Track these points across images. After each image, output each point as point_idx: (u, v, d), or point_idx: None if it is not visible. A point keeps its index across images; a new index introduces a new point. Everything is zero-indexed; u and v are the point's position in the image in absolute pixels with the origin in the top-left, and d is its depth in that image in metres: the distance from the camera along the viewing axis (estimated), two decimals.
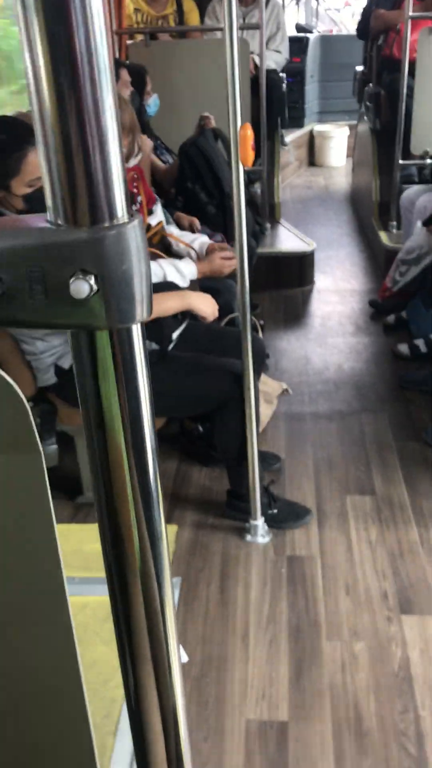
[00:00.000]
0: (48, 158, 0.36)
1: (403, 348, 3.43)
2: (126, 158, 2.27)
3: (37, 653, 0.76)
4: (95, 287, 0.37)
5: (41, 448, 0.42)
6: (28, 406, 0.42)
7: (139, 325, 0.41)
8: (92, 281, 0.37)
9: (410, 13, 4.03)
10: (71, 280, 0.37)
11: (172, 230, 2.69)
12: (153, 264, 2.34)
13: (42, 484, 0.45)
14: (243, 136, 1.90)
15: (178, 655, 0.54)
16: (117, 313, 0.39)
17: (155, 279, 2.32)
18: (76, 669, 0.80)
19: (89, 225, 0.37)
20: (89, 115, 0.35)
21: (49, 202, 0.38)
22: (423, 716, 1.73)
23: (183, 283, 2.37)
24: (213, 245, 2.64)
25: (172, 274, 2.34)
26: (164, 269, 2.33)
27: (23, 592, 0.59)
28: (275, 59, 4.83)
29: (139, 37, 4.38)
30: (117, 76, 2.93)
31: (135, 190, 2.43)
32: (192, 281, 2.53)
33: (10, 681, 0.64)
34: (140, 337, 0.41)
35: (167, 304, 2.20)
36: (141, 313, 0.39)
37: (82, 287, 0.37)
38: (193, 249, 2.60)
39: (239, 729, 1.73)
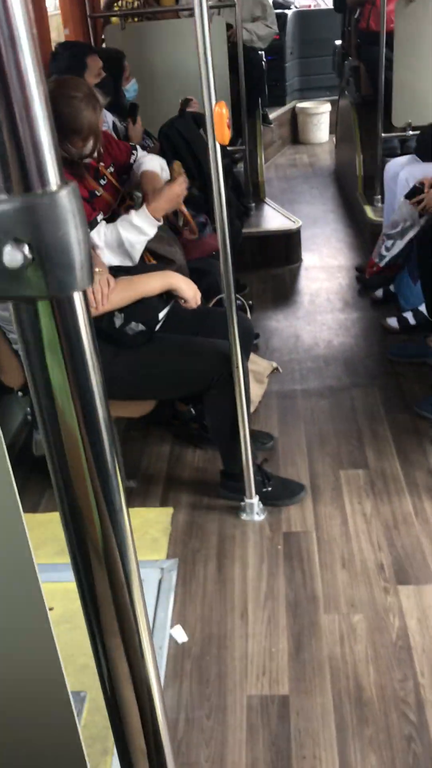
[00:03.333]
0: None
1: (392, 321, 3.43)
2: (78, 158, 2.18)
3: (12, 638, 0.77)
4: (30, 256, 0.37)
5: (2, 438, 0.42)
6: None
7: (81, 293, 0.40)
8: (26, 250, 0.37)
9: None
10: (4, 250, 0.37)
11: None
12: (106, 228, 2.27)
13: (5, 472, 0.45)
14: (218, 114, 1.88)
15: (149, 636, 0.54)
16: (56, 282, 0.38)
17: (114, 243, 2.26)
18: (55, 653, 0.80)
19: (20, 193, 0.37)
20: (12, 83, 0.35)
21: None
22: (422, 683, 1.75)
23: (146, 236, 2.29)
24: (150, 182, 2.51)
25: (129, 232, 2.24)
26: (119, 230, 2.25)
27: None
28: (263, 33, 4.80)
29: (116, 21, 4.34)
30: (84, 65, 2.89)
31: (102, 169, 2.40)
32: (180, 265, 2.52)
33: None
34: (84, 307, 0.41)
35: (149, 285, 2.19)
36: (82, 280, 0.39)
37: (15, 256, 0.36)
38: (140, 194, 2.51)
39: (241, 705, 1.74)
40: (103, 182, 2.40)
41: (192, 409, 2.71)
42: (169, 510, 2.39)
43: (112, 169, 2.46)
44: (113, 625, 0.49)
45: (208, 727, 1.70)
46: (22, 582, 0.72)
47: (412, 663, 1.80)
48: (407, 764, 1.57)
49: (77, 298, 0.40)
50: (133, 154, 2.62)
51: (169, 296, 2.28)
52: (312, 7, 8.00)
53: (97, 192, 2.36)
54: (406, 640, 1.86)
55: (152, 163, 2.58)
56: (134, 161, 2.59)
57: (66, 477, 0.44)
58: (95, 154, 2.24)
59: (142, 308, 2.19)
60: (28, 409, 2.46)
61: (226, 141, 1.93)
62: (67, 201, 0.37)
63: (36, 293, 0.38)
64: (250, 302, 3.73)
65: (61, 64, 2.92)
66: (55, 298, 0.39)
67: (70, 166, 2.23)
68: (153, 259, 2.50)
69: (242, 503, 2.33)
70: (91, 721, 1.71)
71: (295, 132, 7.42)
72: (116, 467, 0.45)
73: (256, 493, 2.31)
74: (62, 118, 2.08)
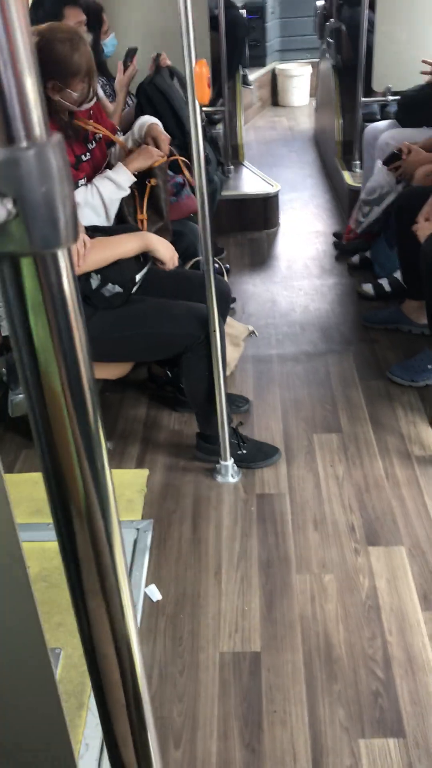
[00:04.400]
0: None
1: (368, 288, 3.44)
2: (79, 103, 2.19)
3: None
4: (13, 211, 0.37)
5: None
6: None
7: (66, 251, 0.40)
8: (9, 205, 0.36)
9: None
10: None
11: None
12: (86, 187, 2.29)
13: None
14: (198, 72, 1.85)
15: (130, 595, 0.55)
16: (40, 238, 0.38)
17: (95, 201, 2.28)
18: (34, 611, 0.81)
19: (5, 145, 0.36)
20: None
21: None
22: (390, 641, 1.80)
23: (123, 192, 2.34)
24: (154, 130, 2.57)
25: (106, 187, 2.29)
26: (97, 186, 2.29)
27: None
28: None
29: None
30: (62, 15, 2.81)
31: (93, 128, 2.37)
32: (166, 223, 2.50)
33: None
34: (68, 264, 0.40)
35: (125, 246, 2.17)
36: (66, 237, 0.39)
37: None
38: (128, 140, 2.56)
39: (213, 661, 1.78)
40: (91, 146, 2.38)
41: (168, 372, 2.72)
42: (145, 471, 2.41)
43: (100, 136, 2.43)
44: (95, 583, 0.50)
45: (181, 682, 1.74)
46: (2, 542, 0.73)
47: (380, 622, 1.85)
48: (374, 718, 1.62)
49: (61, 254, 0.40)
50: (118, 133, 2.59)
51: (145, 258, 2.27)
52: None
53: (83, 157, 2.33)
54: (376, 600, 1.91)
55: (152, 119, 2.60)
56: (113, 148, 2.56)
57: (49, 437, 0.44)
58: (93, 98, 2.23)
59: (118, 270, 2.18)
60: (3, 369, 2.44)
61: (207, 100, 1.91)
62: (52, 154, 0.37)
63: (19, 249, 0.38)
64: (227, 266, 3.72)
65: (40, 14, 2.84)
66: (38, 254, 0.39)
67: (61, 128, 2.20)
68: (147, 209, 2.49)
69: (217, 465, 2.35)
70: (66, 676, 1.74)
71: (275, 94, 7.33)
72: (99, 427, 0.45)
73: (231, 455, 2.34)
74: (60, 61, 2.07)
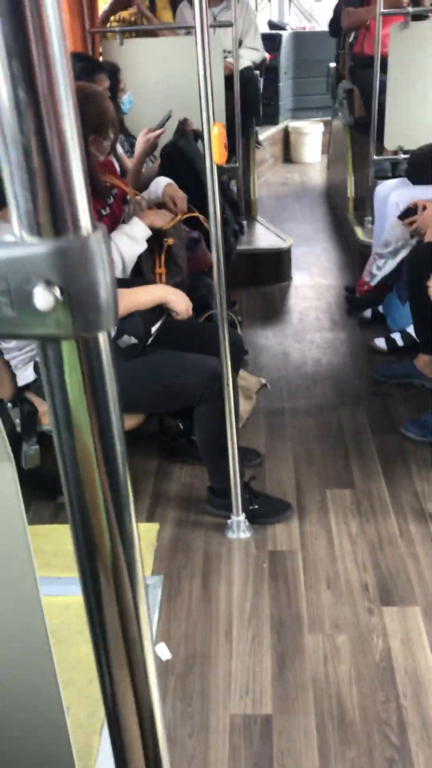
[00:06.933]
0: (10, 169, 0.37)
1: (380, 342, 3.46)
2: (107, 152, 2.29)
3: (10, 654, 0.77)
4: (60, 298, 0.38)
5: (11, 456, 0.43)
6: None
7: (105, 333, 0.41)
8: (57, 293, 0.38)
9: (381, 10, 4.06)
10: (36, 292, 0.38)
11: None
12: None
13: (14, 490, 0.46)
14: (216, 135, 1.91)
15: (153, 656, 0.55)
16: (83, 323, 0.39)
17: (113, 256, 2.34)
18: (51, 668, 0.80)
19: (53, 237, 0.38)
20: (50, 124, 0.36)
21: (12, 214, 0.38)
22: (404, 705, 1.75)
23: (140, 246, 2.39)
24: (172, 189, 2.65)
25: (123, 242, 2.36)
26: (115, 241, 2.35)
27: None
28: (251, 57, 4.84)
29: (113, 36, 4.37)
30: (92, 79, 2.92)
31: (110, 182, 2.44)
32: (184, 277, 2.56)
33: None
34: (107, 346, 0.42)
35: (142, 297, 2.21)
36: (107, 321, 0.40)
37: (47, 299, 0.38)
38: (144, 198, 2.63)
39: (224, 724, 1.74)
40: (109, 201, 2.45)
41: (180, 424, 2.72)
42: (155, 525, 2.39)
43: (116, 191, 2.50)
44: (119, 643, 0.50)
45: (191, 746, 1.70)
46: (23, 597, 0.73)
47: (394, 684, 1.81)
48: None
49: (101, 338, 0.41)
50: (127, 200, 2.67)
51: (161, 310, 2.29)
52: (306, 29, 8.11)
53: (103, 211, 2.40)
54: (389, 662, 1.87)
55: (168, 180, 2.68)
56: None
57: (82, 504, 0.45)
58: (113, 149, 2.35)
59: (134, 321, 2.20)
60: (17, 420, 2.45)
61: (224, 161, 1.96)
62: (97, 245, 0.38)
63: (63, 333, 0.39)
64: (240, 318, 3.75)
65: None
66: (81, 338, 0.40)
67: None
68: (165, 264, 2.55)
69: (229, 520, 2.33)
70: (72, 737, 1.70)
71: (287, 151, 7.50)
72: (129, 495, 0.46)
73: (243, 510, 2.32)
74: (100, 113, 2.18)
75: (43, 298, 0.38)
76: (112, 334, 0.41)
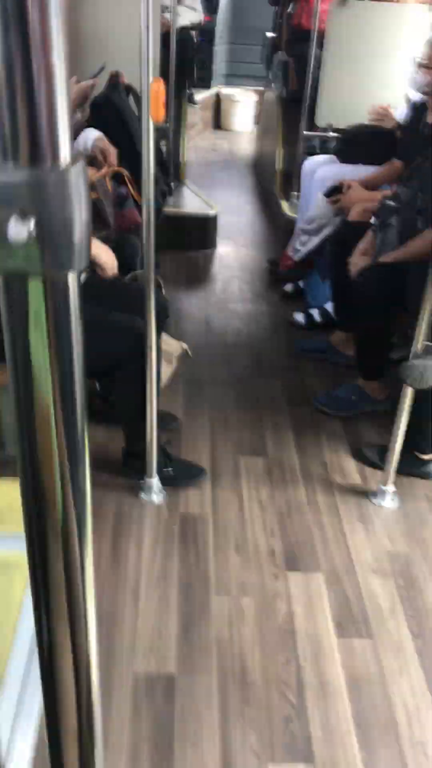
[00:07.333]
0: None
1: (299, 317, 3.52)
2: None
3: None
4: (33, 231, 0.36)
5: None
6: None
7: (75, 275, 0.40)
8: (31, 225, 0.36)
9: None
10: (9, 222, 0.36)
11: None
12: None
13: None
14: (155, 90, 1.86)
15: (95, 615, 0.54)
16: (54, 261, 0.38)
17: None
18: None
19: (30, 165, 0.36)
20: (36, 48, 0.34)
21: None
22: (304, 667, 1.82)
23: None
24: (102, 143, 2.59)
25: None
26: None
27: None
28: (189, 17, 4.74)
29: None
30: None
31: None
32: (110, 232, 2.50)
33: None
34: (76, 289, 0.40)
35: None
36: (78, 261, 0.38)
37: (20, 231, 0.36)
38: None
39: (127, 681, 1.76)
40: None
41: (97, 384, 2.68)
42: None
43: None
44: (62, 602, 0.49)
45: None
46: None
47: (295, 647, 1.87)
48: (285, 743, 1.64)
49: (71, 279, 0.39)
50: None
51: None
52: None
53: None
54: (292, 625, 1.93)
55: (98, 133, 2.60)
56: None
57: (34, 455, 0.43)
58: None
59: None
60: None
61: (161, 119, 1.92)
62: (75, 179, 0.37)
63: (30, 269, 0.37)
64: (162, 281, 3.72)
65: None
66: (48, 276, 0.38)
67: None
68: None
69: (142, 483, 2.33)
70: None
71: (218, 117, 7.43)
72: (85, 450, 0.45)
73: (157, 473, 2.33)
74: None
75: (16, 229, 0.36)
76: (83, 276, 0.39)
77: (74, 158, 0.37)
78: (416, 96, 3.22)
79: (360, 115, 3.63)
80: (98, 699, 0.57)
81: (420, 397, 2.22)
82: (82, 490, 0.45)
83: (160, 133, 4.53)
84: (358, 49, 4.08)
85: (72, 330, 0.41)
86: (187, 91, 5.24)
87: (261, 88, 6.38)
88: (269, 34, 5.64)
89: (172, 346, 2.98)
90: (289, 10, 5.00)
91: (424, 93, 3.02)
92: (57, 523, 0.45)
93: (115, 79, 3.16)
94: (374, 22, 3.98)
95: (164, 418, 2.63)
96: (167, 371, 2.90)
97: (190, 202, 4.56)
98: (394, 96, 3.72)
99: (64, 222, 0.37)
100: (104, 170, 2.53)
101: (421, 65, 3.08)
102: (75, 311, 0.41)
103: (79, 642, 0.52)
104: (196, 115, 6.87)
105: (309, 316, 3.51)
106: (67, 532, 0.46)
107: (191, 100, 5.87)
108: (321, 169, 3.70)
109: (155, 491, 2.33)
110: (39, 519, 0.45)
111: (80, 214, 0.38)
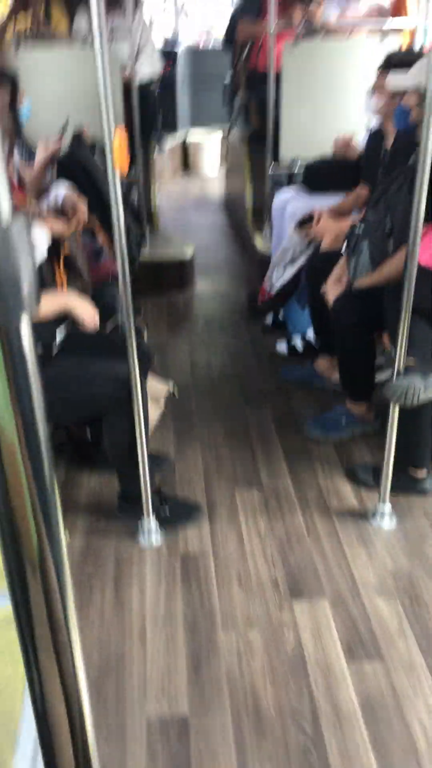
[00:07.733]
0: None
1: (281, 347, 3.57)
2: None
3: None
4: None
5: None
6: None
7: (27, 323, 0.43)
8: None
9: (272, 27, 4.19)
10: None
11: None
12: None
13: None
14: (119, 138, 1.92)
15: (82, 660, 0.56)
16: (4, 311, 0.41)
17: None
18: None
19: None
20: None
21: None
22: (316, 695, 1.81)
23: (39, 253, 2.38)
24: (72, 197, 2.66)
25: None
26: None
27: None
28: (149, 71, 4.88)
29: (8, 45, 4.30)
30: None
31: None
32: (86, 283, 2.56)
33: None
34: (29, 336, 0.43)
35: (45, 306, 2.19)
36: (29, 304, 0.41)
37: None
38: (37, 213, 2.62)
39: (140, 726, 1.75)
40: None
41: (88, 431, 2.71)
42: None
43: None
44: (47, 639, 0.50)
45: (107, 750, 1.69)
46: None
47: (306, 675, 1.86)
48: None
49: (23, 328, 0.42)
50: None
51: (66, 319, 2.28)
52: (201, 46, 8.24)
53: None
54: (301, 653, 1.93)
55: (64, 189, 2.67)
56: None
57: (6, 498, 0.46)
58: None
59: (38, 330, 2.18)
60: None
61: (126, 168, 1.98)
62: (17, 234, 0.40)
63: None
64: (146, 324, 3.78)
65: None
66: (2, 327, 0.41)
67: None
68: (66, 269, 2.53)
69: (139, 525, 2.34)
70: None
71: (186, 162, 7.59)
72: (54, 488, 0.47)
73: (153, 514, 2.33)
74: None
75: None
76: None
77: (14, 215, 0.40)
78: (374, 122, 3.31)
79: (322, 146, 3.74)
80: (95, 748, 0.58)
81: (407, 414, 2.25)
82: (56, 537, 0.47)
83: (130, 184, 4.63)
84: (314, 85, 4.20)
85: (29, 371, 0.43)
86: (154, 142, 5.36)
87: (226, 130, 6.54)
88: (227, 79, 5.79)
89: (159, 388, 3.01)
90: (245, 52, 5.15)
91: (377, 113, 3.12)
92: (35, 559, 0.47)
93: (79, 137, 3.25)
94: (328, 58, 4.11)
95: (156, 460, 2.65)
96: (156, 413, 2.93)
97: (166, 247, 4.64)
98: (353, 124, 3.84)
99: (11, 276, 0.40)
100: (74, 225, 2.59)
101: (374, 88, 3.17)
102: (31, 359, 0.43)
103: (70, 689, 0.53)
104: (164, 162, 7.02)
105: (291, 346, 3.56)
106: (47, 578, 0.47)
107: (160, 149, 6.00)
108: (291, 205, 3.79)
109: (153, 533, 2.33)
110: (18, 570, 0.47)
111: (25, 263, 0.41)
